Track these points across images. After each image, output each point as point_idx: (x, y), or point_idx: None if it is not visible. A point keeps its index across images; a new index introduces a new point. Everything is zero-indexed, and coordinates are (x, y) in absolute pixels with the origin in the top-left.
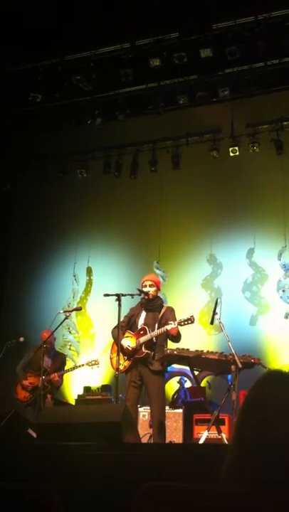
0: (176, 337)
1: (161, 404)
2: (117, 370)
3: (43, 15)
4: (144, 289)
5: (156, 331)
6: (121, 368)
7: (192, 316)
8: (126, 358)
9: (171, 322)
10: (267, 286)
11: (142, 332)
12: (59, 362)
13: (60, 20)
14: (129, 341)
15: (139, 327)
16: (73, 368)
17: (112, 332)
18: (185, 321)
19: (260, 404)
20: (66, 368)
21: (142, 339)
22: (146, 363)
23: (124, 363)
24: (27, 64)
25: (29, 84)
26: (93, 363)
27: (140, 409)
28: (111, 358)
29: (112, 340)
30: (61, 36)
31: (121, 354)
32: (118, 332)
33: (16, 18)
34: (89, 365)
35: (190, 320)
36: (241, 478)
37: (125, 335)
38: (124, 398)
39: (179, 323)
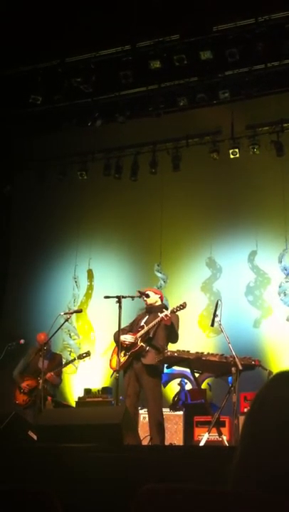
0: (170, 327)
1: (158, 404)
2: (111, 367)
3: (43, 17)
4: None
5: (152, 324)
6: (119, 365)
7: (184, 302)
8: (123, 354)
9: (165, 310)
10: (269, 290)
11: (140, 329)
12: (55, 362)
13: (61, 22)
14: (127, 336)
15: (139, 326)
16: (66, 364)
17: (114, 335)
18: (178, 307)
19: (275, 406)
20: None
21: (139, 334)
22: (140, 357)
23: (121, 360)
24: (27, 66)
25: (29, 86)
26: (84, 355)
27: (140, 412)
28: (110, 360)
29: (114, 344)
30: (61, 38)
31: (122, 351)
32: (118, 333)
33: (16, 19)
34: (80, 359)
35: (182, 306)
36: (248, 483)
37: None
38: (124, 399)
39: (172, 311)
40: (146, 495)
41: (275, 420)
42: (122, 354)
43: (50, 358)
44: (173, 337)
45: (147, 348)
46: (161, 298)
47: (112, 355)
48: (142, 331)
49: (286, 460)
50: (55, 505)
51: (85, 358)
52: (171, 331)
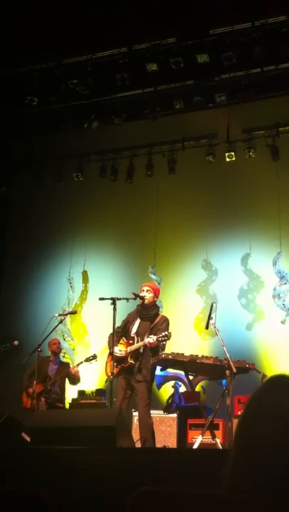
0: (155, 350)
1: (147, 409)
2: (108, 375)
3: (40, 18)
4: (141, 294)
5: (140, 343)
6: (110, 374)
7: (169, 332)
8: (115, 364)
9: (152, 336)
10: (263, 293)
11: (131, 341)
12: (63, 370)
13: (58, 23)
14: (119, 349)
15: (131, 335)
16: (78, 365)
17: (108, 337)
18: (162, 337)
19: (269, 409)
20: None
21: (129, 349)
22: (131, 372)
23: (113, 370)
24: (24, 67)
25: (26, 87)
26: (91, 358)
27: (134, 414)
28: (106, 367)
29: (108, 348)
30: (58, 40)
31: (114, 362)
32: (113, 337)
33: (13, 21)
34: (87, 361)
35: (166, 337)
36: (242, 486)
37: (119, 342)
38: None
39: (158, 339)
40: (140, 498)
41: (269, 424)
42: (115, 364)
43: (59, 363)
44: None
45: (137, 364)
46: (156, 294)
47: (106, 362)
48: (132, 348)
49: (280, 463)
50: (49, 506)
51: (92, 361)
52: (155, 352)
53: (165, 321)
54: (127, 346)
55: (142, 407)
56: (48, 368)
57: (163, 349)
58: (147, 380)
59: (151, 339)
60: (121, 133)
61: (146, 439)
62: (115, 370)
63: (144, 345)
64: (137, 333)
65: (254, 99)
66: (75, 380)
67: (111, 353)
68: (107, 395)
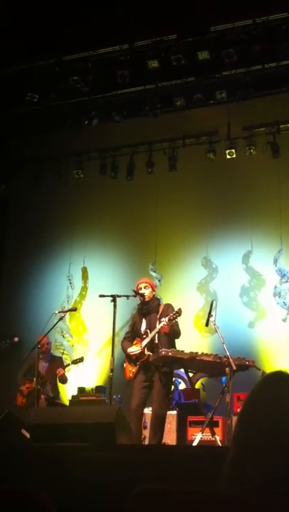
0: (170, 333)
1: (163, 402)
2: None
3: (41, 15)
4: (140, 292)
5: (152, 332)
6: (130, 375)
7: (179, 308)
8: (133, 364)
9: (163, 319)
10: (264, 291)
11: (144, 336)
12: (55, 365)
13: (58, 20)
14: (133, 348)
15: (142, 332)
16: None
17: (121, 344)
18: (173, 315)
19: (267, 406)
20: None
21: (144, 342)
22: (153, 366)
23: (132, 370)
24: (24, 64)
25: (26, 84)
26: (78, 360)
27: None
28: (124, 368)
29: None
30: (59, 37)
31: (131, 363)
32: (113, 337)
33: (14, 18)
34: (74, 364)
35: (177, 313)
36: (241, 483)
37: (133, 342)
38: (131, 400)
39: (169, 319)
40: (139, 496)
41: (268, 421)
42: (133, 364)
43: (50, 360)
44: (176, 337)
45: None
46: (153, 289)
47: (125, 363)
48: (147, 340)
49: (279, 460)
50: (48, 504)
51: (79, 364)
52: (172, 335)
53: (170, 307)
54: (141, 342)
55: (157, 398)
56: (39, 365)
57: (177, 334)
58: (167, 372)
59: (162, 323)
60: (121, 130)
61: (151, 429)
62: (135, 369)
63: (158, 333)
64: (147, 328)
65: (255, 96)
66: (63, 380)
67: (127, 356)
68: (107, 391)
